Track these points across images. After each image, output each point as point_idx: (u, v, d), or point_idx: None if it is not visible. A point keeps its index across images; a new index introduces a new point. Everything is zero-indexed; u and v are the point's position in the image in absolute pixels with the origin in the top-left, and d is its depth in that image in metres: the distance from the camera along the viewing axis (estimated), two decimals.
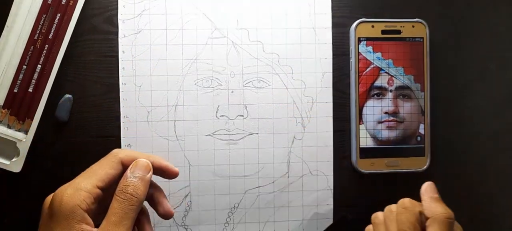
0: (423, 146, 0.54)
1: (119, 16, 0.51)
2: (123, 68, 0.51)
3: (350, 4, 0.54)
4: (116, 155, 0.42)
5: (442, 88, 0.55)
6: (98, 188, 0.39)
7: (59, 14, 0.49)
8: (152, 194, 0.44)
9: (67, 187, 0.38)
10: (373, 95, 0.53)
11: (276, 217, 0.54)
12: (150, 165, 0.42)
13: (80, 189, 0.38)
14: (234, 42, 0.52)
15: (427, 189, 0.46)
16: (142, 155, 0.43)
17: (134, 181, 0.40)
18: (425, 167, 0.54)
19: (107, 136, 0.51)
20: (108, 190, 0.40)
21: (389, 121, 0.53)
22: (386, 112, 0.53)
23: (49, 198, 0.39)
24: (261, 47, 0.53)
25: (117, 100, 0.51)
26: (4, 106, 0.49)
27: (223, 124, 0.53)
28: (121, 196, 0.39)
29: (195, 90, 0.52)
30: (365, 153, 0.53)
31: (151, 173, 0.42)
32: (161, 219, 0.52)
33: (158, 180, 0.52)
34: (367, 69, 0.53)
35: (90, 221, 0.38)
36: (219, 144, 0.53)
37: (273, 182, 0.53)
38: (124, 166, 0.42)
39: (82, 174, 0.41)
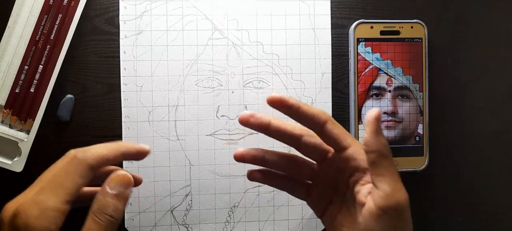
0: (421, 145, 0.54)
1: (120, 17, 0.51)
2: (124, 68, 0.52)
3: (349, 5, 0.54)
4: (84, 160, 0.36)
5: (440, 88, 0.56)
6: (67, 202, 0.34)
7: (60, 15, 0.49)
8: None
9: (30, 205, 0.34)
10: (372, 96, 0.53)
11: (276, 215, 0.54)
12: (131, 178, 0.38)
13: (47, 208, 0.33)
14: (235, 43, 0.53)
15: (375, 119, 0.38)
16: (112, 152, 0.37)
17: (114, 201, 0.36)
18: (423, 166, 0.54)
19: (109, 136, 0.52)
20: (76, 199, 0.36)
21: (388, 121, 0.54)
22: (385, 112, 0.53)
23: (7, 212, 0.34)
24: (261, 48, 0.53)
25: (119, 101, 0.52)
26: (6, 107, 0.49)
27: (224, 124, 0.53)
28: (100, 217, 0.35)
29: (196, 91, 0.52)
30: None
31: (131, 187, 0.37)
32: (161, 218, 0.52)
33: (158, 179, 0.52)
34: (366, 70, 0.53)
35: None
36: (220, 143, 0.53)
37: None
38: (94, 171, 0.36)
39: (45, 184, 0.35)
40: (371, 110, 0.38)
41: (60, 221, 0.34)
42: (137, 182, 0.42)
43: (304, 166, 0.43)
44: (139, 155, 0.40)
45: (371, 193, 0.37)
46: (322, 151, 0.42)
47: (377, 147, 0.37)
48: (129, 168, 0.52)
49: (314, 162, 0.43)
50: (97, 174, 0.38)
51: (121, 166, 0.51)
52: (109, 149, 0.37)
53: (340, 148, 0.39)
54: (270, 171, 0.44)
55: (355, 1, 0.54)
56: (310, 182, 0.44)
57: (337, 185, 0.41)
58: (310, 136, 0.41)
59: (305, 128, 0.41)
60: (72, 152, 0.36)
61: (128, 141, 0.40)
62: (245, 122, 0.40)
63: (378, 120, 0.37)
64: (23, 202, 0.34)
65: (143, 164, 0.52)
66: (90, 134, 0.51)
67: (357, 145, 0.39)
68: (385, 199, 0.35)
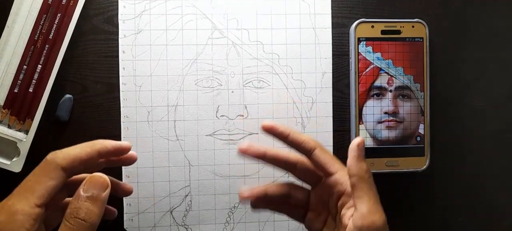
0: (422, 145, 0.54)
1: (120, 16, 0.51)
2: (123, 68, 0.51)
3: (350, 4, 0.54)
4: (53, 160, 0.35)
5: (441, 88, 0.55)
6: (38, 206, 0.34)
7: (59, 14, 0.49)
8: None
9: None
10: (372, 95, 0.53)
11: (276, 216, 0.54)
12: (107, 180, 0.36)
13: (15, 212, 0.33)
14: (234, 42, 0.52)
15: (356, 147, 0.42)
16: (84, 150, 0.37)
17: (87, 204, 0.35)
18: (424, 166, 0.54)
19: (108, 136, 0.51)
20: (52, 203, 0.35)
21: (388, 121, 0.53)
22: (385, 112, 0.53)
23: None
24: (261, 48, 0.53)
25: (118, 100, 0.51)
26: (4, 106, 0.49)
27: (223, 124, 0.53)
28: (70, 221, 0.34)
29: (195, 90, 0.52)
30: (365, 152, 0.53)
31: (108, 190, 0.36)
32: (160, 219, 0.52)
33: (158, 180, 0.52)
34: (367, 69, 0.53)
35: None
36: (219, 143, 0.53)
37: (273, 182, 0.53)
38: (66, 172, 0.36)
39: (16, 191, 0.35)
40: (356, 138, 0.42)
41: (30, 224, 0.33)
42: (126, 191, 0.43)
43: (300, 192, 0.46)
44: (118, 152, 0.40)
45: (352, 215, 0.40)
46: (315, 176, 0.45)
47: (357, 172, 0.40)
48: (128, 169, 0.51)
49: (309, 188, 0.46)
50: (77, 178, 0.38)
51: (120, 170, 0.51)
52: (82, 147, 0.37)
53: (327, 173, 0.42)
54: (271, 199, 0.46)
55: (356, 0, 0.54)
56: (307, 206, 0.46)
57: (329, 209, 0.44)
58: (304, 162, 0.44)
59: (300, 155, 0.44)
60: (48, 155, 0.36)
61: (107, 140, 0.39)
62: (244, 152, 0.43)
63: (360, 147, 0.41)
64: None
65: (142, 164, 0.51)
66: (89, 134, 0.51)
67: (344, 170, 0.42)
68: (361, 219, 0.38)
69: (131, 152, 0.41)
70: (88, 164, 0.38)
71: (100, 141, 0.38)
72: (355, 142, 0.42)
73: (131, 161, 0.42)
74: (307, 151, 0.43)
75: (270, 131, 0.43)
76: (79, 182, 0.37)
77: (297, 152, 0.44)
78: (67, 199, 0.40)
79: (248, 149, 0.43)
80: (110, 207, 0.42)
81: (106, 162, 0.41)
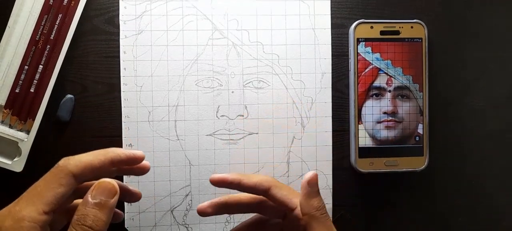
0: (421, 145, 0.54)
1: (120, 17, 0.51)
2: (124, 68, 0.52)
3: (349, 5, 0.54)
4: (65, 167, 0.35)
5: (440, 88, 0.55)
6: (45, 213, 0.33)
7: (60, 15, 0.49)
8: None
9: (5, 217, 0.33)
10: (372, 96, 0.53)
11: None
12: (116, 187, 0.36)
13: (21, 219, 0.32)
14: (234, 43, 0.53)
15: (307, 184, 0.42)
16: (97, 158, 0.36)
17: (95, 211, 0.34)
18: (423, 166, 0.54)
19: (109, 136, 0.52)
20: (58, 207, 0.35)
21: (388, 121, 0.54)
22: (385, 112, 0.53)
23: None
24: (261, 48, 0.53)
25: (119, 101, 0.52)
26: (6, 107, 0.49)
27: (224, 124, 0.53)
28: (77, 229, 0.33)
29: (196, 91, 0.52)
30: (364, 152, 0.53)
31: (116, 197, 0.35)
32: (161, 218, 0.52)
33: (158, 179, 0.52)
34: (366, 70, 0.53)
35: None
36: (220, 143, 0.53)
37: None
38: (77, 179, 0.35)
39: (25, 195, 0.34)
40: (307, 174, 0.42)
41: None
42: (134, 197, 0.42)
43: (272, 225, 0.46)
44: (131, 161, 0.39)
45: None
46: (281, 210, 0.44)
47: (308, 210, 0.41)
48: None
49: (280, 220, 0.45)
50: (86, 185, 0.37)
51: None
52: (95, 155, 0.37)
53: (288, 209, 0.42)
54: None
55: (355, 1, 0.54)
56: None
57: None
58: (266, 200, 0.44)
59: (272, 180, 0.43)
60: (60, 161, 0.36)
61: (120, 148, 0.39)
62: (216, 185, 0.44)
63: (311, 184, 0.41)
64: (0, 213, 0.34)
65: (143, 164, 0.52)
66: (90, 134, 0.51)
67: None
68: None
69: (144, 162, 0.41)
70: (100, 172, 0.37)
71: (113, 149, 0.38)
72: (306, 178, 0.42)
73: (143, 171, 0.42)
74: (263, 192, 0.43)
75: (220, 183, 0.43)
76: (87, 186, 0.37)
77: (254, 193, 0.44)
78: (75, 201, 0.40)
79: (219, 183, 0.43)
80: (117, 210, 0.42)
81: (118, 170, 0.41)
